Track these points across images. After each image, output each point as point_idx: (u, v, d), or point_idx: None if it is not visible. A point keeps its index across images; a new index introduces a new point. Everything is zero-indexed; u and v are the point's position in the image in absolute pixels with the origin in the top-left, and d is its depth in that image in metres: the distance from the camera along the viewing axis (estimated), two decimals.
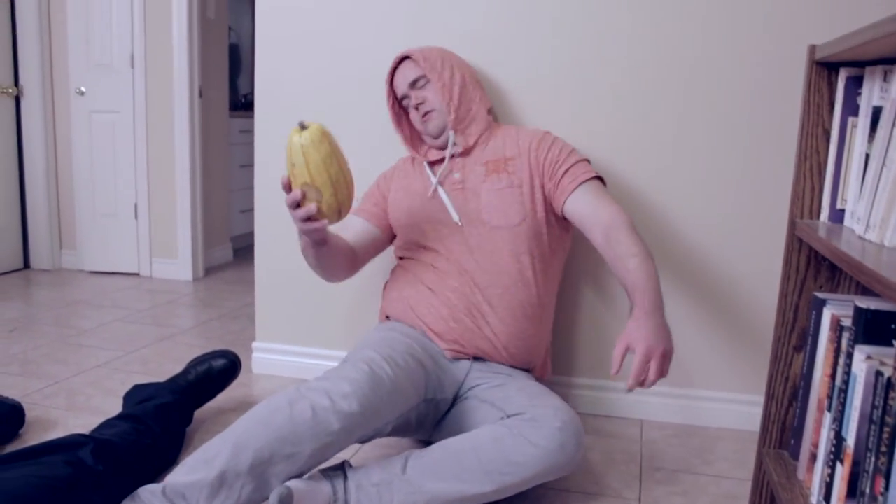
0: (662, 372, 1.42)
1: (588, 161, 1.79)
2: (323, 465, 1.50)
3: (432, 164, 1.86)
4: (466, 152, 1.83)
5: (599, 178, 1.77)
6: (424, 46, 1.89)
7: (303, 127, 1.43)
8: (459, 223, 1.76)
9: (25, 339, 2.67)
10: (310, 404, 1.36)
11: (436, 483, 1.41)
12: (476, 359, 1.74)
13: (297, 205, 1.46)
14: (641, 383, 1.41)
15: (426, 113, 1.82)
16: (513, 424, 1.46)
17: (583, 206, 1.70)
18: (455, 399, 1.72)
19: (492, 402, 1.60)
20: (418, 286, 1.77)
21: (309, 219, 1.46)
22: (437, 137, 1.84)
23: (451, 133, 1.80)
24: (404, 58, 1.86)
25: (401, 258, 1.89)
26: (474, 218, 1.76)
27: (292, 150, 1.42)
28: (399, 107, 1.93)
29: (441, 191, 1.80)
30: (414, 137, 1.94)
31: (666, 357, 1.43)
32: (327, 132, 1.44)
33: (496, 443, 1.44)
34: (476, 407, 1.63)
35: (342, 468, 1.45)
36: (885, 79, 1.21)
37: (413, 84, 1.84)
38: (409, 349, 1.64)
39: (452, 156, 1.83)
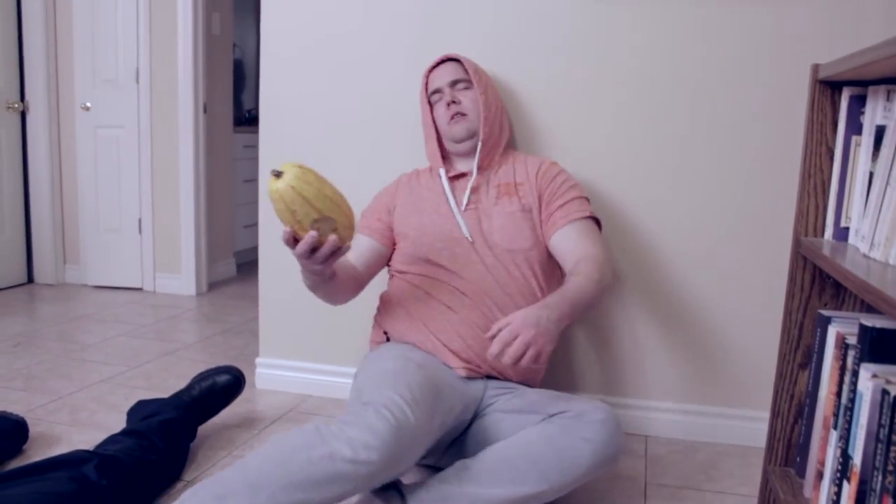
0: (517, 354, 1.35)
1: (587, 199, 1.81)
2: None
3: (451, 178, 1.85)
4: (481, 171, 1.84)
5: (595, 220, 1.78)
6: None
7: (278, 173, 1.34)
8: (471, 239, 1.75)
9: (29, 354, 2.68)
10: (329, 451, 1.28)
11: (494, 489, 1.42)
12: (489, 377, 1.73)
13: (313, 248, 1.39)
14: (500, 355, 1.37)
15: (458, 114, 1.82)
16: (560, 423, 1.47)
17: (565, 243, 1.72)
18: (473, 418, 1.70)
19: (519, 410, 1.59)
20: (431, 303, 1.73)
21: (333, 252, 1.41)
22: (458, 142, 1.84)
23: (479, 145, 1.82)
24: (450, 58, 1.88)
25: (400, 273, 1.83)
26: (487, 238, 1.76)
27: (285, 197, 1.34)
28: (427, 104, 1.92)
29: (455, 209, 1.79)
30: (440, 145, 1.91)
31: (530, 345, 1.36)
32: (299, 163, 1.38)
33: (549, 442, 1.45)
34: (500, 419, 1.62)
35: (397, 488, 1.44)
36: (889, 98, 1.22)
37: (453, 83, 1.85)
38: (429, 382, 1.52)
39: (465, 174, 1.83)
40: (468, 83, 1.85)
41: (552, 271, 1.81)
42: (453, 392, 1.60)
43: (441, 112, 1.86)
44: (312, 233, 1.36)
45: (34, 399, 2.22)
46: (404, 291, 1.80)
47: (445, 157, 1.92)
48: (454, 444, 1.69)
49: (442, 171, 1.84)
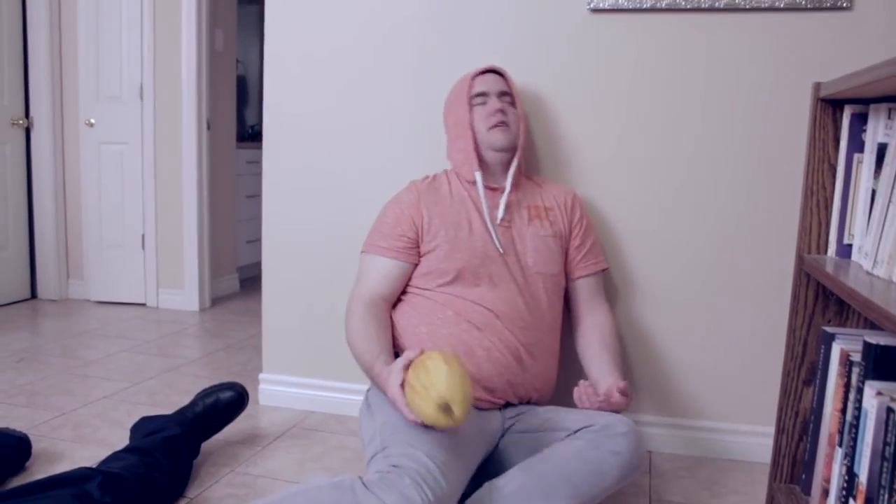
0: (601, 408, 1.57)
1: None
2: None
3: (489, 189, 1.81)
4: (514, 189, 1.82)
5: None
6: None
7: (448, 408, 1.32)
8: (504, 258, 1.74)
9: (32, 370, 2.68)
10: None
11: None
12: (504, 406, 1.72)
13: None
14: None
15: (504, 123, 1.79)
16: (587, 437, 1.49)
17: (584, 292, 1.88)
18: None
19: (536, 429, 1.60)
20: (460, 323, 1.68)
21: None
22: (497, 151, 1.79)
23: (515, 161, 1.81)
24: (495, 70, 1.87)
25: (423, 289, 1.75)
26: (520, 258, 1.76)
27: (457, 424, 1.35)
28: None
29: (490, 224, 1.75)
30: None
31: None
32: (454, 375, 1.34)
33: (578, 455, 1.46)
34: (518, 440, 1.62)
35: None
36: (890, 116, 1.23)
37: (501, 94, 1.84)
38: (457, 433, 1.48)
39: (496, 188, 1.81)
40: (512, 99, 1.85)
41: (562, 296, 1.88)
42: (479, 434, 1.59)
43: (482, 116, 1.81)
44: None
45: (37, 415, 2.22)
46: (430, 309, 1.72)
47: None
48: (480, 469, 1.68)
49: (478, 175, 1.78)
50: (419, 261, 1.77)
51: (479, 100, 1.83)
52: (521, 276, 1.74)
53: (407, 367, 1.41)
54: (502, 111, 1.79)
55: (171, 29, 3.71)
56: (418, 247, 1.76)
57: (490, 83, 1.84)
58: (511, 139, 1.79)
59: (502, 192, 1.80)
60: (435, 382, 1.32)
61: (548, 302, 1.77)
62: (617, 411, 1.54)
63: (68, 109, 3.93)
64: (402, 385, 1.40)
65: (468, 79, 1.86)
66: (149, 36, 3.72)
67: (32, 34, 3.83)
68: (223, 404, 1.97)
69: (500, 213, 1.77)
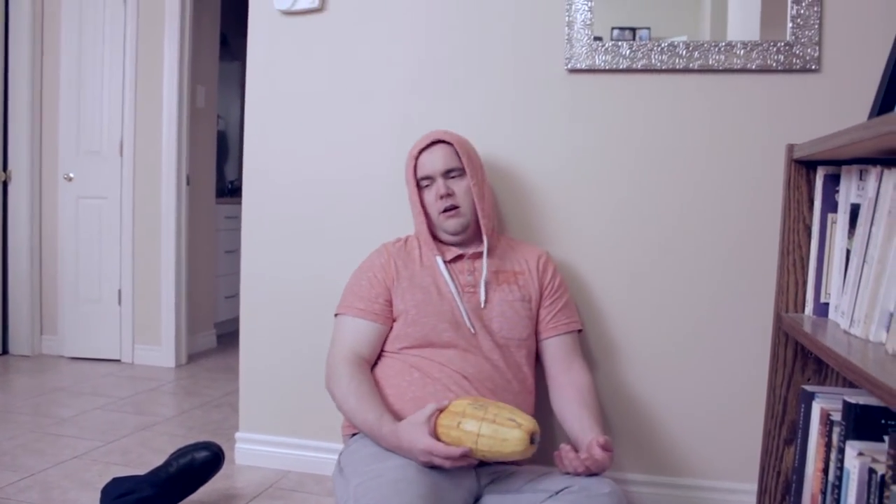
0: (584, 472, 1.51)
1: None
2: None
3: (446, 262, 1.81)
4: (477, 256, 1.82)
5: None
6: (452, 132, 1.85)
7: (533, 438, 1.45)
8: (473, 330, 1.73)
9: (0, 429, 2.61)
10: None
11: None
12: (479, 465, 1.68)
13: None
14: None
15: (452, 208, 1.77)
16: (568, 499, 1.45)
17: (558, 352, 1.83)
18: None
19: (517, 490, 1.56)
20: (428, 384, 1.67)
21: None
22: (453, 234, 1.80)
23: (485, 238, 1.79)
24: (441, 140, 1.81)
25: (394, 352, 1.76)
26: (485, 325, 1.75)
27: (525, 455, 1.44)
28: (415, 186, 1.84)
29: (456, 295, 1.76)
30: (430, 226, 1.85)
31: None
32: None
33: None
34: (498, 502, 1.58)
35: None
36: (861, 177, 1.26)
37: (447, 173, 1.79)
38: (433, 491, 1.44)
39: (462, 256, 1.81)
40: (461, 171, 1.80)
41: (535, 356, 1.86)
42: (455, 490, 1.55)
43: (431, 200, 1.80)
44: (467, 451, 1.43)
45: (3, 477, 2.15)
46: (397, 371, 1.72)
47: (435, 236, 1.85)
48: None
49: (439, 260, 1.79)
50: (391, 322, 1.78)
51: (426, 182, 1.81)
52: (488, 340, 1.74)
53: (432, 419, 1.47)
54: (449, 195, 1.77)
55: (152, 85, 3.73)
56: (391, 308, 1.77)
57: (435, 161, 1.79)
58: (463, 222, 1.79)
59: (471, 257, 1.81)
60: (514, 416, 1.43)
61: (517, 365, 1.76)
62: (600, 470, 1.52)
63: (47, 163, 3.92)
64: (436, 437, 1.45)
65: (413, 156, 1.82)
66: (130, 91, 3.74)
67: (14, 87, 3.84)
68: (198, 464, 1.92)
69: (464, 282, 1.78)
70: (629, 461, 2.08)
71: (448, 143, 1.80)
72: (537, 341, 1.85)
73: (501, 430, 1.41)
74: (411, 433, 1.46)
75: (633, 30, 1.98)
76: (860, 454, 1.02)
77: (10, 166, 3.87)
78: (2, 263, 3.93)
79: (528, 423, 1.42)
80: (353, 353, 1.72)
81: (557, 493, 1.49)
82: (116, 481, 1.85)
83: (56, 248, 3.92)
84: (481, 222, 1.79)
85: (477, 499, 1.62)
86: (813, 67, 1.88)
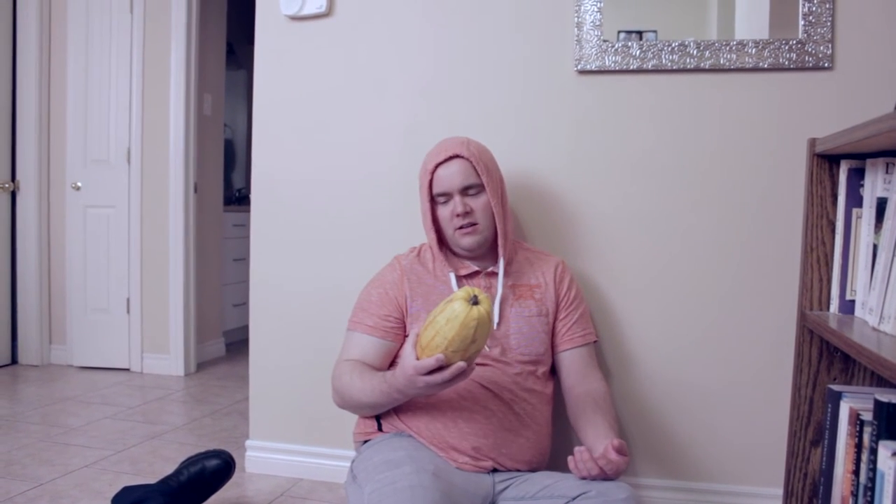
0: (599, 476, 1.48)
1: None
2: None
3: (460, 277, 1.76)
4: (493, 274, 1.78)
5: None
6: (472, 142, 1.76)
7: (475, 300, 1.35)
8: (488, 348, 1.68)
9: (10, 439, 2.59)
10: None
11: None
12: (494, 470, 1.66)
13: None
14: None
15: (470, 225, 1.71)
16: None
17: (575, 364, 1.79)
18: None
19: (534, 496, 1.53)
20: (442, 395, 1.62)
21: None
22: (470, 251, 1.75)
23: (501, 261, 1.75)
24: (458, 155, 1.71)
25: None
26: (501, 340, 1.71)
27: (481, 324, 1.34)
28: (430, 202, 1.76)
29: None
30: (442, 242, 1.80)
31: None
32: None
33: None
34: None
35: None
36: (888, 171, 1.22)
37: (465, 189, 1.71)
38: (447, 499, 1.43)
39: (478, 273, 1.76)
40: (480, 187, 1.72)
41: (550, 372, 1.82)
42: (469, 496, 1.54)
43: (447, 216, 1.72)
44: (461, 363, 1.38)
45: (13, 486, 2.13)
46: None
47: (446, 250, 1.81)
48: None
49: (452, 276, 1.74)
50: (403, 339, 1.73)
51: (442, 198, 1.73)
52: (502, 356, 1.70)
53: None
54: (467, 212, 1.70)
55: (159, 93, 3.73)
56: (404, 324, 1.73)
57: (453, 178, 1.70)
58: (480, 239, 1.73)
59: (487, 274, 1.77)
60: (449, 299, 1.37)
61: (534, 379, 1.72)
62: (615, 473, 1.48)
63: (55, 172, 3.92)
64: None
65: (429, 170, 1.73)
66: (137, 100, 3.73)
67: (21, 97, 3.85)
68: (209, 472, 1.90)
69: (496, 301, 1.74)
70: (647, 465, 2.04)
71: (466, 158, 1.72)
72: (553, 354, 1.81)
73: (446, 313, 1.35)
74: (404, 363, 1.44)
75: (640, 33, 1.96)
76: (895, 454, 0.99)
77: (18, 176, 3.87)
78: (10, 273, 3.93)
79: (459, 292, 1.36)
80: (358, 361, 1.70)
81: (574, 498, 1.46)
82: (127, 490, 1.83)
83: (64, 257, 3.91)
84: (500, 242, 1.74)
85: (493, 502, 1.60)
86: (826, 65, 1.86)
